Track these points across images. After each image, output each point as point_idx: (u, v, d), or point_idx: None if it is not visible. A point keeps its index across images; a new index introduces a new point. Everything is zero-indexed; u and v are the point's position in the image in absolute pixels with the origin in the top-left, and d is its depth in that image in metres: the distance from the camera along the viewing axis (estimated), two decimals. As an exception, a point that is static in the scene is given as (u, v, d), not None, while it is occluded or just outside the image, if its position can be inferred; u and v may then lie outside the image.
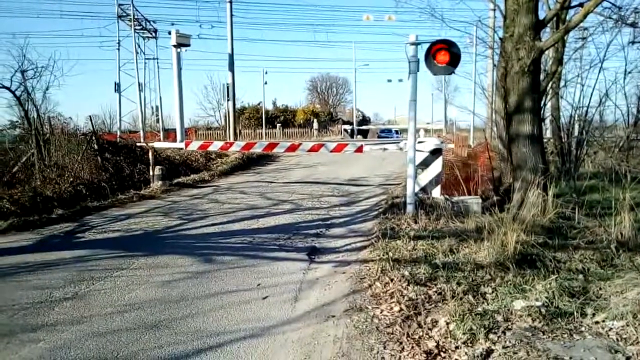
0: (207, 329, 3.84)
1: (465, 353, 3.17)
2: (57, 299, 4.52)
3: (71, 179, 10.20)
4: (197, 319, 4.04)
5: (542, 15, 7.18)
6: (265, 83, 40.13)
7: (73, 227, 7.68)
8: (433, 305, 3.96)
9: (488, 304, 3.87)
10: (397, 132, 49.47)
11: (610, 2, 7.48)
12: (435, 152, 8.32)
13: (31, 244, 6.62)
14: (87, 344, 3.59)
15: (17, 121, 12.33)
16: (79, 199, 9.50)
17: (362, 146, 10.58)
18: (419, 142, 8.29)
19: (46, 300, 4.49)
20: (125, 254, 5.97)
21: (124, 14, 27.64)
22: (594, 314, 3.57)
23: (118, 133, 25.53)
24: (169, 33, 14.75)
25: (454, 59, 6.95)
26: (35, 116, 11.22)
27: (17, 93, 11.03)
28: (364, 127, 51.59)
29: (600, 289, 4.03)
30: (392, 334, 3.55)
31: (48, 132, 11.55)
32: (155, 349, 3.50)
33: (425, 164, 8.28)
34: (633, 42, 11.34)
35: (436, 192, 8.18)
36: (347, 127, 47.13)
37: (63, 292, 4.69)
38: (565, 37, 8.97)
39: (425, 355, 3.20)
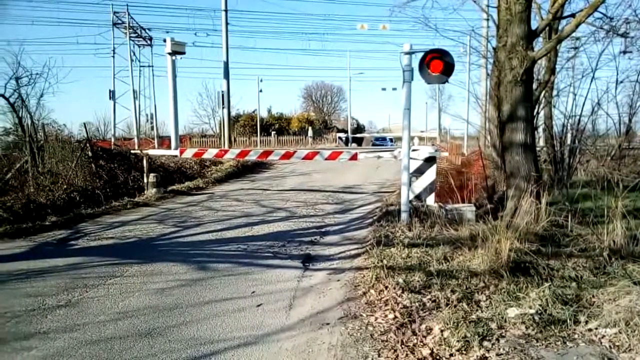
0: (201, 337, 3.83)
1: (460, 360, 3.18)
2: (50, 306, 4.49)
3: (65, 186, 10.16)
4: (191, 327, 4.03)
5: (534, 25, 7.27)
6: (260, 91, 40.20)
7: (66, 234, 7.64)
8: (427, 313, 3.97)
9: (482, 312, 3.89)
10: (391, 140, 49.65)
11: (602, 13, 7.58)
12: (430, 160, 8.36)
13: (24, 251, 6.58)
14: (80, 352, 3.57)
15: (10, 128, 12.28)
16: (72, 206, 9.46)
17: (356, 154, 10.61)
18: (413, 150, 8.32)
19: (39, 307, 4.46)
20: (119, 262, 5.95)
21: (119, 22, 27.72)
22: (587, 322, 3.59)
23: (112, 140, 25.51)
24: (164, 41, 14.74)
25: (448, 68, 7.00)
26: (29, 123, 11.18)
27: (11, 100, 10.98)
28: (358, 135, 51.76)
29: (593, 296, 4.06)
30: (387, 341, 3.55)
31: (42, 139, 11.50)
32: (148, 357, 3.48)
33: (419, 171, 8.32)
34: (624, 52, 11.49)
35: (430, 200, 8.20)
36: (342, 135, 47.25)
37: (56, 299, 4.66)
38: (557, 47, 9.07)
39: (419, 363, 3.21)
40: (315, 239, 7.23)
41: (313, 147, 35.07)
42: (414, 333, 3.64)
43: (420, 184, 8.32)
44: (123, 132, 33.74)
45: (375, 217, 8.46)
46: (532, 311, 3.76)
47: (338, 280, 5.16)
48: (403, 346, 3.44)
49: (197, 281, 5.22)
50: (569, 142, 10.37)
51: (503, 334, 3.49)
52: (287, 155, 11.32)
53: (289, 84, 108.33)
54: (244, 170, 17.90)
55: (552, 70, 9.53)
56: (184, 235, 7.48)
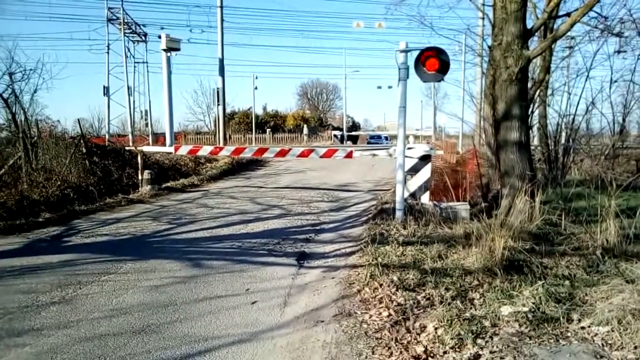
0: (196, 334, 3.82)
1: (453, 358, 3.19)
2: (43, 303, 4.47)
3: (59, 183, 10.10)
4: (185, 324, 4.02)
5: (530, 24, 7.29)
6: (256, 88, 40.28)
7: (60, 231, 7.61)
8: (421, 311, 3.97)
9: (476, 310, 3.90)
10: (386, 138, 49.66)
11: (597, 12, 7.60)
12: (425, 159, 8.37)
13: (17, 248, 6.55)
14: (74, 348, 3.56)
15: (3, 124, 12.20)
16: (66, 203, 9.40)
17: (351, 152, 10.61)
18: (409, 149, 8.34)
19: (32, 304, 4.44)
20: (113, 258, 5.93)
21: (114, 18, 27.49)
22: (579, 320, 3.61)
23: (107, 137, 25.31)
24: (159, 37, 14.67)
25: (443, 67, 7.01)
26: (23, 119, 11.08)
27: (5, 96, 10.91)
28: (353, 133, 51.80)
29: (586, 294, 4.08)
30: (381, 339, 3.56)
31: (35, 135, 11.41)
32: (142, 354, 3.47)
33: (414, 170, 8.33)
34: (619, 52, 11.57)
35: (425, 198, 8.22)
36: (337, 132, 47.31)
37: (50, 296, 4.64)
38: (552, 46, 9.11)
39: (413, 360, 3.22)
40: (310, 236, 7.24)
41: (308, 144, 35.05)
42: (408, 331, 3.64)
43: (415, 182, 8.33)
44: (117, 129, 33.46)
45: (370, 215, 8.48)
46: (526, 309, 3.78)
47: (333, 278, 5.16)
48: (397, 344, 3.45)
49: (191, 278, 5.21)
50: (563, 141, 10.42)
51: (496, 332, 3.50)
52: (282, 153, 11.31)
53: (284, 82, 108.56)
54: (239, 167, 17.86)
55: (547, 69, 9.58)
56: (179, 233, 7.46)
